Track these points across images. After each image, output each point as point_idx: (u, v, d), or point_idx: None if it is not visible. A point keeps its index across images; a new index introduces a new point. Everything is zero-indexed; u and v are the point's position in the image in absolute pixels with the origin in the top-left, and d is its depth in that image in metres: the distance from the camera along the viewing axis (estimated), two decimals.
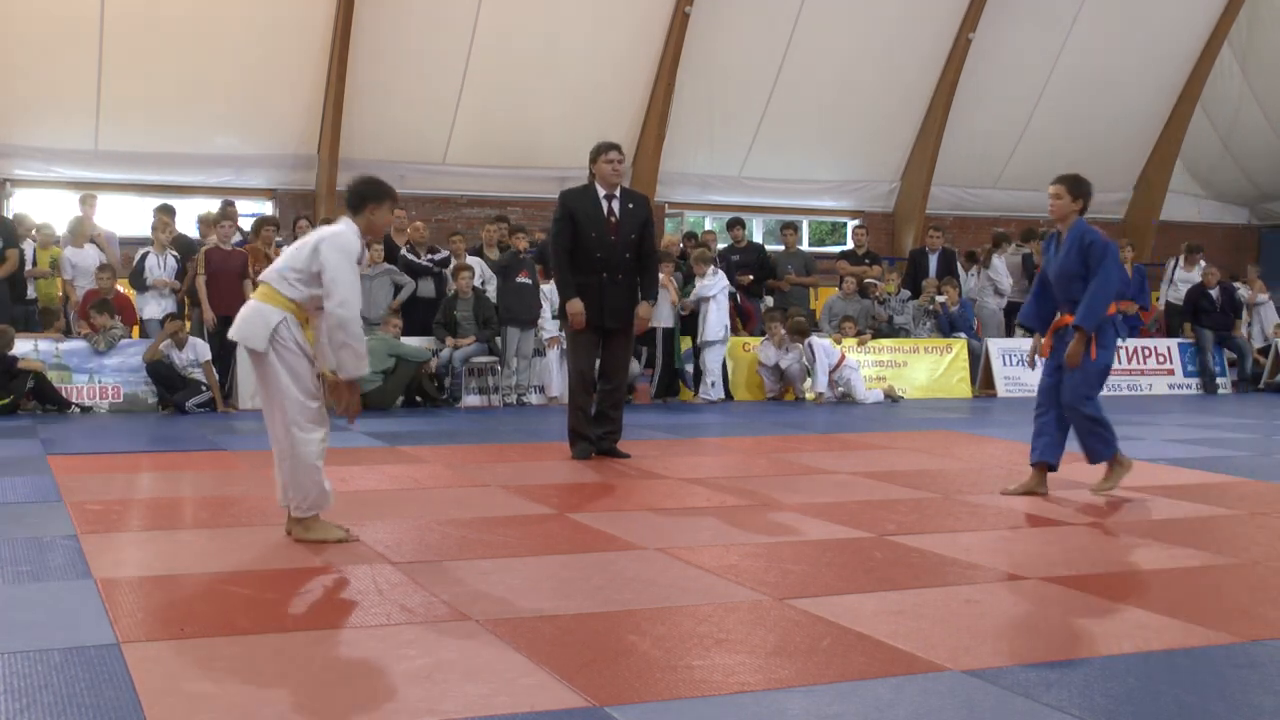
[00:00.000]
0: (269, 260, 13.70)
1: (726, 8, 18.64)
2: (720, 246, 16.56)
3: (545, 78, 18.23)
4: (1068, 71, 20.65)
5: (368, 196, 6.17)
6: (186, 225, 15.33)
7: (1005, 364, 16.24)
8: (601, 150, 9.30)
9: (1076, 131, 21.24)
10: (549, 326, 14.13)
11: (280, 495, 6.16)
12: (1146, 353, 17.00)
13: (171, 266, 13.54)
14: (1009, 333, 16.51)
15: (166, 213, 14.65)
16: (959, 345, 16.00)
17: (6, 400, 12.14)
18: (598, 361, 9.42)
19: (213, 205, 16.07)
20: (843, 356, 14.81)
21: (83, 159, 17.13)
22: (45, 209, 16.12)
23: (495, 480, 8.06)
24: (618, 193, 9.29)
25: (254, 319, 6.01)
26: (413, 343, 13.67)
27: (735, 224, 16.86)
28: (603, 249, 9.15)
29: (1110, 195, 22.37)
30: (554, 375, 14.04)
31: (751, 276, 16.21)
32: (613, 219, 9.20)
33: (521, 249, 14.10)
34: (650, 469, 8.70)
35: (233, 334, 6.12)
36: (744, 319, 15.77)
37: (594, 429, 9.30)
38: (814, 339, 14.73)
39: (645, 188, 19.26)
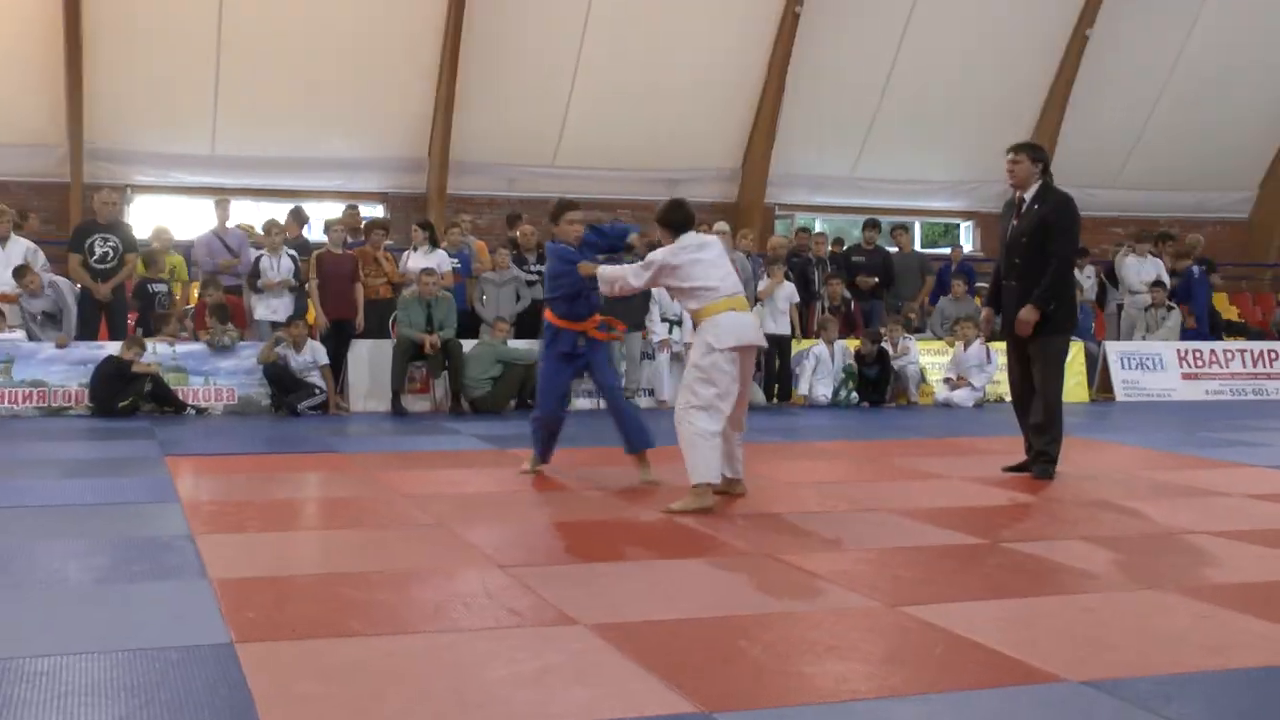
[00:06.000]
0: (378, 264, 13.97)
1: (837, 6, 18.51)
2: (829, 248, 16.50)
3: (655, 78, 18.23)
4: (1190, 66, 20.16)
5: (688, 220, 7.51)
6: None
7: (1124, 367, 15.95)
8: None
9: (1199, 128, 20.74)
10: (658, 330, 14.15)
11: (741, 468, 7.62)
12: (1273, 355, 16.57)
13: (287, 267, 13.68)
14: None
15: (297, 218, 14.94)
16: (1075, 348, 15.67)
17: (126, 402, 12.43)
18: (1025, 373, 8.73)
19: (325, 209, 16.34)
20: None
21: (199, 164, 17.50)
22: (164, 215, 16.51)
23: (603, 484, 8.08)
24: (1029, 194, 8.57)
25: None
26: (521, 346, 13.74)
27: (870, 225, 16.71)
28: (1005, 253, 8.71)
29: (1235, 194, 21.88)
30: (664, 379, 14.05)
31: (876, 280, 16.07)
32: (1014, 222, 8.65)
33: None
34: (759, 473, 8.66)
35: (759, 340, 7.40)
36: (852, 325, 15.59)
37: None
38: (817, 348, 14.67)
39: (755, 189, 19.24)
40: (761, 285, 14.29)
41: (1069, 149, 20.06)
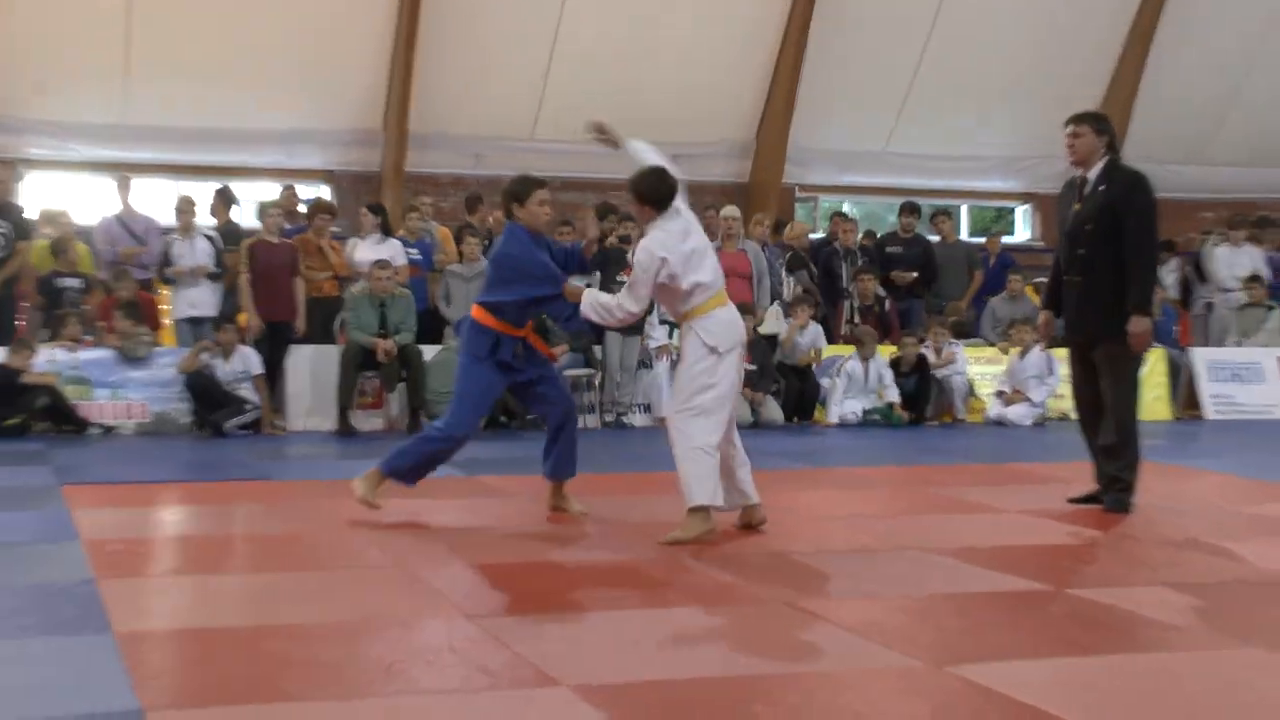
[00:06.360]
0: (322, 255, 13.95)
1: None
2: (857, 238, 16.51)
3: (652, 35, 18.25)
4: None
5: (673, 194, 7.46)
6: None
7: (1214, 379, 15.95)
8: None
9: None
10: (657, 334, 14.10)
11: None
12: None
13: (203, 250, 13.62)
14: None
15: (224, 199, 14.88)
16: (1155, 356, 15.63)
17: (15, 421, 12.36)
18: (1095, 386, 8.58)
19: (258, 189, 16.32)
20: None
21: (107, 135, 17.43)
22: (62, 194, 16.47)
23: (590, 517, 8.07)
24: (1092, 174, 8.48)
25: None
26: None
27: (907, 210, 16.69)
28: (1066, 243, 8.66)
29: None
30: (663, 391, 14.03)
31: (915, 274, 16.02)
32: (1075, 206, 8.56)
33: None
34: (777, 503, 8.64)
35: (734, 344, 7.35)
36: (887, 328, 15.51)
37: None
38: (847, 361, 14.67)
39: (772, 166, 19.24)
40: (778, 327, 14.22)
41: (1147, 117, 20.09)
